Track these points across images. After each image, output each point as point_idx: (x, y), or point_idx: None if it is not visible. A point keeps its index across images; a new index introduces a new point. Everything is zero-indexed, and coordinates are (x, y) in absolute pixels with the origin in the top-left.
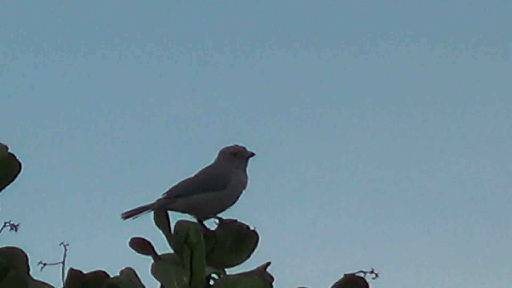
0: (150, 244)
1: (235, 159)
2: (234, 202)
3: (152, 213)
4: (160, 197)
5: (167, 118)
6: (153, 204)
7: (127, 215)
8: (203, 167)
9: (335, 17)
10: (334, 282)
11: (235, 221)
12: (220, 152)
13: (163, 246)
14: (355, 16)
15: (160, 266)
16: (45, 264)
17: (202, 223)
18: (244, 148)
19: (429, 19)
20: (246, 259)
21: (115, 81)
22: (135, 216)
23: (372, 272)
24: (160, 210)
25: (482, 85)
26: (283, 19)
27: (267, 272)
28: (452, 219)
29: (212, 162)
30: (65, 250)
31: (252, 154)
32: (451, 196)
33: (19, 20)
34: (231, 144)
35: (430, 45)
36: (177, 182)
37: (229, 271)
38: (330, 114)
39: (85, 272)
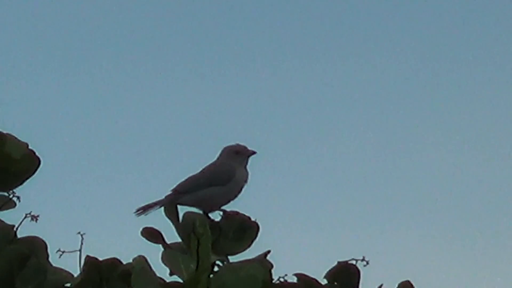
0: (160, 233)
1: (237, 157)
2: (236, 196)
3: (162, 207)
4: (169, 193)
5: (176, 121)
6: (162, 200)
7: (140, 212)
8: (207, 164)
9: (339, 15)
10: (328, 269)
11: (238, 213)
12: (223, 150)
13: (172, 236)
14: (358, 14)
15: (169, 254)
16: (63, 252)
17: (207, 215)
18: (245, 147)
19: (427, 18)
20: (248, 247)
21: (129, 82)
22: (147, 211)
23: (363, 259)
24: (170, 205)
25: (478, 85)
26: (285, 18)
27: (267, 260)
28: (444, 209)
29: (215, 159)
30: (82, 239)
31: (253, 153)
32: (443, 189)
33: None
34: (233, 143)
35: (428, 47)
36: (184, 179)
37: (232, 258)
38: (327, 113)
39: (100, 259)
